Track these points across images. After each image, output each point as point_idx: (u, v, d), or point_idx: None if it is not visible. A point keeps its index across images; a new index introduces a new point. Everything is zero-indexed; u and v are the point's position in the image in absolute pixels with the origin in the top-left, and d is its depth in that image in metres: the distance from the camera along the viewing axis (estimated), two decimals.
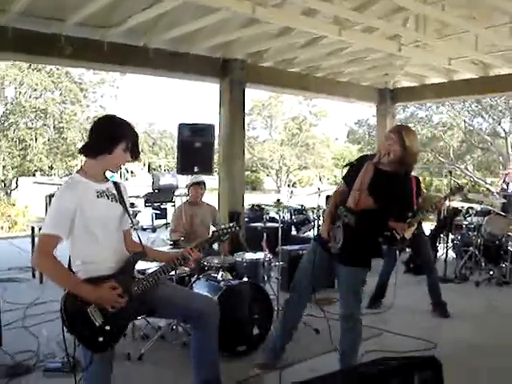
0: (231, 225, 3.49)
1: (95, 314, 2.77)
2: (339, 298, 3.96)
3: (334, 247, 3.80)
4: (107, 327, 2.80)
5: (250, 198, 9.76)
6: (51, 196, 7.37)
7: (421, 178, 5.79)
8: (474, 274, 7.83)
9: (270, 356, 4.30)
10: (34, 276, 7.40)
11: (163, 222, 12.69)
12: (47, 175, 41.96)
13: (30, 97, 33.43)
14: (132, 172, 40.07)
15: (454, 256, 8.88)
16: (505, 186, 12.17)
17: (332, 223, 3.85)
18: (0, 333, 4.62)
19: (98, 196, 2.89)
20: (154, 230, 12.31)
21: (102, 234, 2.89)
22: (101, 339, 2.78)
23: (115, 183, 3.06)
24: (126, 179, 38.30)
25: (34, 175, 41.01)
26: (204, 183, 6.25)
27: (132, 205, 12.95)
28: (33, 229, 7.52)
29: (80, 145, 37.89)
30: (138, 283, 2.96)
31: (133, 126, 3.02)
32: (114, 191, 3.02)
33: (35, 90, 32.46)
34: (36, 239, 7.30)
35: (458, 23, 6.54)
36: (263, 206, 10.52)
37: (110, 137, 2.89)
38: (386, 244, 6.17)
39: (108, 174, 3.01)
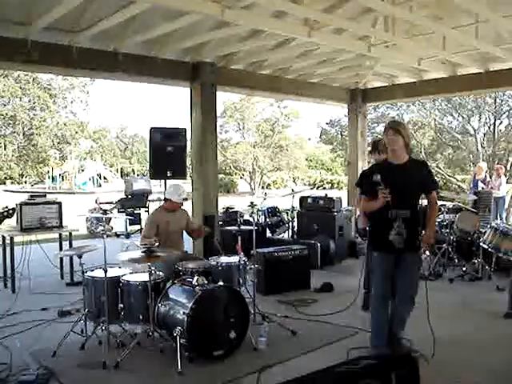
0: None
1: None
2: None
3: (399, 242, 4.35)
4: None
5: (224, 201, 9.70)
6: (22, 204, 7.25)
7: None
8: (447, 270, 7.92)
9: None
10: (5, 286, 7.25)
11: (137, 227, 12.57)
12: (18, 183, 41.36)
13: None
14: (105, 178, 39.62)
15: (428, 253, 8.98)
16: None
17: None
18: None
19: None
20: (127, 235, 12.20)
21: None
22: None
23: None
24: (100, 185, 37.89)
25: (4, 183, 40.40)
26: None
27: (105, 211, 12.82)
28: (3, 238, 7.36)
29: (51, 151, 37.45)
30: None
31: None
32: None
33: (2, 96, 32.02)
34: (7, 249, 7.18)
35: (426, 23, 6.63)
36: (236, 210, 10.46)
37: None
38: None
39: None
